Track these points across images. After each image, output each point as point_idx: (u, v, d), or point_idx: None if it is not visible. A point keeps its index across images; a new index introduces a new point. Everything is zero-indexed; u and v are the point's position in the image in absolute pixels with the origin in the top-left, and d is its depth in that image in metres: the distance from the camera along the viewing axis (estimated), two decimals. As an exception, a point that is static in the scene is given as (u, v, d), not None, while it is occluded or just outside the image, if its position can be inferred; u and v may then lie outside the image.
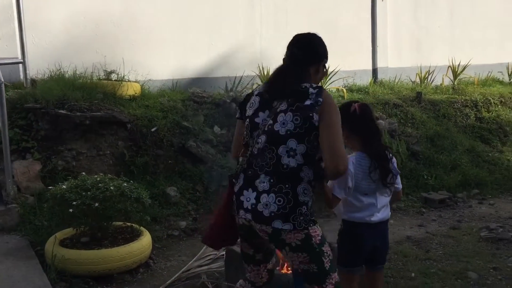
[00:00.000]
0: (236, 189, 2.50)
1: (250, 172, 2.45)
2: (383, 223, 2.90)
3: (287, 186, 2.35)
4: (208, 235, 2.68)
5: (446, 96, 9.06)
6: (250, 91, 7.64)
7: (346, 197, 2.78)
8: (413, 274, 4.16)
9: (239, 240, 2.68)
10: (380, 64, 9.48)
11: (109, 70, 6.80)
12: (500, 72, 10.54)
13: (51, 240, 4.32)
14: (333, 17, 9.01)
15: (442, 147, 7.71)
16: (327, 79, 8.49)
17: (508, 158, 8.07)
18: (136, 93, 6.58)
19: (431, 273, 4.22)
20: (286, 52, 2.63)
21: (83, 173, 4.70)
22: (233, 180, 2.53)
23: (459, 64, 9.77)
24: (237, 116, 2.69)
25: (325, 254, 2.44)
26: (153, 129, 6.06)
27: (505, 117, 9.03)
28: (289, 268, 3.70)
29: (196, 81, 7.82)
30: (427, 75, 9.66)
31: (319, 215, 5.05)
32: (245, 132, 2.54)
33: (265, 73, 8.00)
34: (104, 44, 7.10)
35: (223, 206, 2.58)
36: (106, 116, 5.70)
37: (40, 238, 4.62)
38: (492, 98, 9.22)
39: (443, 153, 7.57)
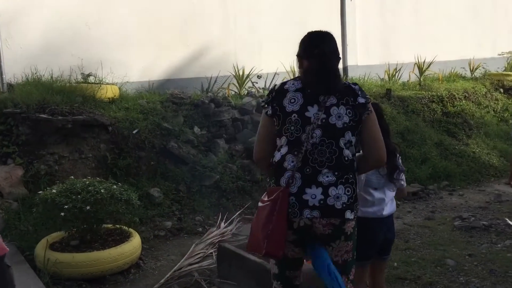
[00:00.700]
0: (293, 190, 2.41)
1: (308, 170, 2.41)
2: (391, 216, 3.10)
3: (351, 176, 2.46)
4: (270, 246, 2.38)
5: (413, 92, 9.40)
6: (226, 91, 7.84)
7: (359, 191, 2.88)
8: (395, 264, 4.38)
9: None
10: (350, 62, 9.74)
11: (86, 73, 6.78)
12: (463, 68, 10.99)
13: (41, 244, 4.34)
14: (304, 17, 9.19)
15: (413, 142, 8.02)
16: (301, 78, 8.69)
17: (474, 150, 8.47)
18: (115, 96, 6.60)
19: (412, 262, 4.46)
20: (313, 50, 2.55)
21: (72, 176, 4.71)
22: (283, 182, 2.41)
23: (424, 61, 10.14)
24: (268, 112, 2.52)
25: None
26: (134, 131, 6.10)
27: (469, 111, 9.46)
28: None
29: (172, 82, 7.87)
30: (395, 72, 10.00)
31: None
32: (293, 128, 2.45)
33: (241, 73, 8.13)
34: (80, 47, 7.07)
35: (280, 212, 2.39)
36: (88, 120, 5.72)
37: (27, 243, 4.62)
38: (457, 93, 9.63)
39: (413, 147, 7.89)
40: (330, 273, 2.46)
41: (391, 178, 3.00)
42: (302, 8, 9.19)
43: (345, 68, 9.73)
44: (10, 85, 6.37)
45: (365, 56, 9.98)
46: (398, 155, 3.07)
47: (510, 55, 11.79)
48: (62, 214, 4.12)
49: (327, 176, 2.42)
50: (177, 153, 6.24)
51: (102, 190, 4.29)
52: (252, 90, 8.14)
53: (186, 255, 4.64)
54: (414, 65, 10.16)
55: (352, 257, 2.57)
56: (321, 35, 2.62)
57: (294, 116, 2.46)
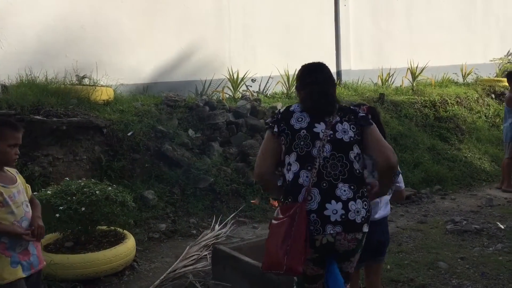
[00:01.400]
0: (313, 206, 2.43)
1: (324, 185, 2.46)
2: (385, 219, 3.14)
3: (364, 190, 2.53)
4: (291, 261, 2.37)
5: (406, 97, 9.49)
6: (220, 94, 7.87)
7: None
8: (389, 266, 4.41)
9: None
10: (343, 67, 9.82)
11: (80, 74, 6.79)
12: (455, 73, 11.11)
13: (35, 246, 4.33)
14: (298, 22, 9.27)
15: (405, 146, 8.09)
16: (295, 82, 8.73)
17: (465, 155, 8.55)
18: (109, 98, 6.60)
19: (405, 265, 4.50)
20: (306, 80, 2.73)
21: (67, 178, 4.71)
22: (301, 199, 2.43)
23: (417, 66, 10.25)
24: (274, 131, 2.59)
25: None
26: (129, 134, 6.11)
27: (461, 116, 9.56)
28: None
29: (166, 85, 7.89)
30: (388, 77, 10.08)
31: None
32: (302, 143, 2.52)
33: (235, 76, 8.17)
34: (74, 49, 7.08)
35: (298, 227, 2.39)
36: (83, 121, 5.72)
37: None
38: (449, 98, 9.73)
39: (406, 152, 7.95)
40: None
41: None
42: (296, 12, 9.25)
43: (339, 72, 9.80)
44: (4, 87, 6.36)
45: (358, 60, 10.05)
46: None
47: (501, 61, 11.94)
48: (57, 215, 4.12)
49: (344, 190, 2.47)
50: (171, 156, 6.25)
51: (97, 192, 4.29)
52: (247, 94, 8.17)
53: (180, 257, 4.64)
54: (407, 70, 10.26)
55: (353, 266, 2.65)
56: (314, 66, 2.79)
57: (303, 132, 2.55)
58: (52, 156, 5.65)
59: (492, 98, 10.60)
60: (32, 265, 2.71)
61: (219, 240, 5.10)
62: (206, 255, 4.75)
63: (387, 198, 3.12)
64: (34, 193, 4.37)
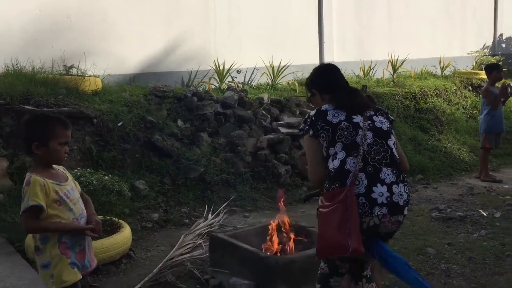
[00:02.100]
0: (361, 190, 2.53)
1: (370, 169, 2.57)
2: None
3: (404, 174, 2.66)
4: (354, 242, 2.45)
5: (388, 89, 9.68)
6: (207, 85, 7.90)
7: None
8: (379, 252, 4.56)
9: None
10: (327, 58, 9.94)
11: (67, 64, 6.74)
12: (434, 66, 11.36)
13: (32, 235, 4.33)
14: (282, 14, 9.35)
15: (388, 137, 8.26)
16: (280, 73, 8.85)
17: (445, 145, 8.80)
18: (98, 88, 6.58)
19: (395, 251, 4.55)
20: (330, 81, 2.86)
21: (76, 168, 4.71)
22: (348, 183, 2.52)
23: (397, 59, 10.46)
24: (310, 134, 2.68)
25: None
26: (119, 124, 6.12)
27: (441, 107, 9.81)
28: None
29: (152, 75, 7.88)
30: (369, 69, 10.26)
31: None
32: (346, 132, 2.61)
33: (221, 68, 8.21)
34: (60, 38, 7.01)
35: (352, 209, 2.48)
36: (74, 112, 5.70)
37: (16, 235, 4.59)
38: (429, 90, 9.97)
39: (389, 142, 8.12)
40: (409, 267, 2.62)
41: None
42: (281, 5, 9.33)
43: (322, 64, 9.91)
44: (-10, 76, 6.28)
45: (341, 53, 10.20)
46: None
47: (477, 54, 12.26)
48: (55, 205, 4.13)
49: (388, 174, 2.59)
50: (161, 146, 6.28)
51: (94, 181, 4.33)
52: (232, 84, 8.23)
53: (176, 246, 4.69)
54: (388, 62, 10.46)
55: None
56: (332, 68, 2.97)
57: (344, 123, 2.65)
58: (43, 147, 5.62)
59: (469, 90, 10.89)
60: (85, 267, 2.67)
61: (213, 228, 5.18)
62: (201, 243, 4.82)
63: None
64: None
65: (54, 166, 2.67)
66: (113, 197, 4.40)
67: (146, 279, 4.07)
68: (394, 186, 2.57)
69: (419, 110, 9.47)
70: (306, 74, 9.79)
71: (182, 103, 6.93)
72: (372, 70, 10.29)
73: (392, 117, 2.88)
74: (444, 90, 10.29)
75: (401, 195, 2.59)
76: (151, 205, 5.75)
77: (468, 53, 12.16)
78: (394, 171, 2.62)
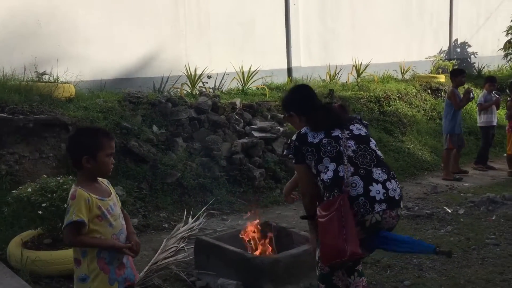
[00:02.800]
0: (359, 191, 2.72)
1: (362, 172, 2.78)
2: None
3: (393, 172, 2.88)
4: (351, 246, 2.63)
5: (353, 92, 10.01)
6: (179, 90, 7.98)
7: None
8: (355, 250, 4.79)
9: None
10: (294, 63, 10.19)
11: (40, 71, 6.69)
12: (395, 70, 11.81)
13: (15, 243, 4.35)
14: (251, 20, 9.54)
15: (355, 139, 8.56)
16: (250, 78, 9.02)
17: (408, 147, 9.19)
18: (71, 95, 6.58)
19: (370, 248, 4.90)
20: (306, 101, 3.11)
21: (45, 175, 4.71)
22: (344, 189, 2.71)
23: (361, 63, 10.82)
24: (298, 159, 2.90)
25: None
26: (95, 130, 6.11)
27: (403, 110, 10.22)
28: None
29: (124, 81, 7.91)
30: (335, 74, 10.57)
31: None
32: (329, 147, 2.82)
33: (193, 73, 8.31)
34: (32, 45, 6.96)
35: (346, 215, 2.65)
36: (50, 119, 5.70)
37: (-4, 243, 4.58)
38: (391, 94, 10.37)
39: (356, 144, 8.42)
40: (414, 242, 2.87)
41: None
42: (250, 11, 9.51)
43: (290, 69, 10.17)
44: (-40, 83, 6.17)
45: (308, 58, 10.47)
46: None
47: (435, 58, 12.81)
48: (40, 212, 4.15)
49: (379, 173, 2.80)
50: (137, 152, 6.34)
51: (78, 188, 4.35)
52: (204, 90, 8.34)
53: (159, 250, 4.79)
54: (352, 67, 10.80)
55: None
56: (307, 90, 3.21)
57: (325, 140, 2.87)
58: (18, 154, 5.60)
59: (428, 93, 11.37)
60: (127, 279, 2.68)
61: (194, 232, 5.29)
62: (183, 247, 4.94)
63: None
64: (13, 191, 4.42)
65: (99, 179, 2.70)
66: (97, 203, 4.43)
67: (134, 283, 4.14)
68: (387, 183, 2.79)
69: (383, 113, 9.84)
70: (275, 78, 10.07)
71: (157, 108, 7.00)
72: (337, 75, 10.61)
73: (366, 122, 3.11)
74: (406, 94, 10.72)
75: (395, 190, 2.81)
76: (129, 210, 5.78)
77: (426, 58, 12.69)
78: (384, 170, 2.84)
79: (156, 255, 4.70)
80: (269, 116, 7.97)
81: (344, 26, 11.15)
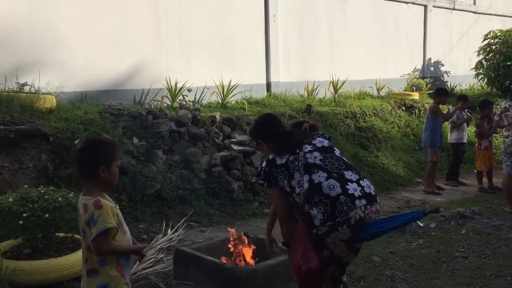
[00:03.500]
0: (338, 191, 2.92)
1: (335, 175, 3.00)
2: None
3: (362, 173, 3.12)
4: (309, 260, 2.91)
5: (330, 108, 10.24)
6: (159, 103, 8.08)
7: None
8: (331, 261, 4.94)
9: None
10: (273, 78, 10.38)
11: (20, 82, 6.72)
12: (371, 87, 12.12)
13: (-6, 253, 4.35)
14: (231, 35, 9.71)
15: (332, 154, 8.76)
16: (230, 92, 9.17)
17: (383, 162, 9.44)
18: (52, 106, 6.60)
19: (345, 259, 5.05)
20: (270, 130, 3.38)
21: (26, 185, 4.75)
22: (325, 190, 2.93)
23: (338, 80, 11.09)
24: (266, 185, 3.16)
25: None
26: (76, 142, 6.17)
27: (378, 126, 10.49)
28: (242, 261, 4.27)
29: (105, 93, 7.96)
30: (313, 90, 10.81)
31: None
32: (297, 162, 3.07)
33: (173, 87, 8.41)
34: (12, 55, 6.98)
35: (303, 236, 2.94)
36: (31, 129, 5.72)
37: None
38: (367, 110, 10.64)
39: (333, 159, 8.62)
40: (399, 218, 3.03)
41: None
42: (230, 26, 9.68)
43: (269, 84, 10.35)
44: None
45: (286, 73, 10.68)
46: None
47: (409, 76, 13.19)
48: (21, 222, 4.19)
49: (351, 175, 3.01)
50: (117, 163, 6.38)
51: (59, 199, 4.41)
52: (184, 103, 8.45)
53: (138, 261, 4.85)
54: (330, 83, 11.07)
55: None
56: (272, 119, 3.50)
57: (291, 157, 3.10)
58: (-2, 164, 5.61)
59: (403, 110, 11.69)
60: (128, 284, 2.76)
61: (173, 243, 5.37)
62: (162, 257, 5.01)
63: None
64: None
65: None
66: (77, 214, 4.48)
67: (113, 293, 4.19)
68: (360, 181, 3.02)
69: (359, 128, 10.09)
70: (255, 93, 10.25)
71: (137, 121, 7.08)
72: (315, 90, 10.84)
73: (327, 135, 3.37)
74: (381, 110, 11.01)
75: (369, 186, 3.04)
76: (109, 221, 5.84)
77: (401, 76, 13.05)
78: (354, 172, 3.07)
79: (135, 265, 4.75)
80: (248, 130, 8.11)
81: (322, 43, 11.42)
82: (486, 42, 13.32)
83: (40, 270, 4.23)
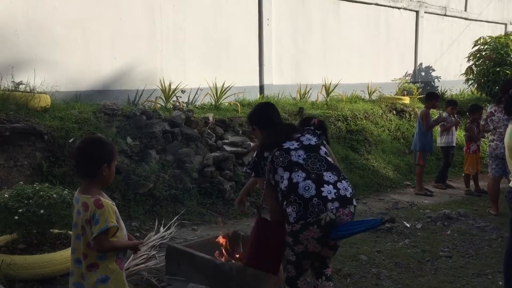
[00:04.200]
0: (312, 193, 3.04)
1: (313, 176, 3.13)
2: None
3: (343, 174, 3.21)
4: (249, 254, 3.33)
5: (322, 111, 10.38)
6: (153, 104, 8.19)
7: None
8: (319, 259, 5.08)
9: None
10: (266, 81, 10.51)
11: (16, 81, 6.81)
12: (362, 91, 12.28)
13: (-11, 248, 4.45)
14: (225, 38, 9.84)
15: (323, 156, 8.91)
16: (223, 94, 9.29)
17: (373, 164, 9.60)
18: (47, 105, 6.69)
19: (333, 258, 5.18)
20: (266, 118, 3.53)
21: (21, 182, 4.84)
22: (300, 191, 3.08)
23: (330, 83, 11.24)
24: (259, 174, 3.32)
25: None
26: (70, 140, 6.27)
27: (369, 129, 10.65)
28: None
29: (99, 94, 8.06)
30: (305, 93, 10.95)
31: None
32: (281, 158, 3.20)
33: (167, 88, 8.53)
34: (8, 54, 7.06)
35: (263, 230, 3.26)
36: (27, 128, 5.82)
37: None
38: (358, 114, 10.79)
39: (323, 161, 8.77)
40: (362, 222, 3.19)
41: None
42: (224, 29, 9.81)
43: (262, 87, 10.48)
44: None
45: (279, 76, 10.82)
46: None
47: (400, 81, 13.38)
48: (16, 217, 4.29)
49: (330, 176, 3.11)
50: (111, 162, 6.48)
51: (54, 195, 4.51)
52: (177, 104, 8.56)
53: (131, 257, 4.96)
54: (322, 86, 11.21)
55: None
56: (268, 107, 3.66)
57: (277, 153, 3.22)
58: (-7, 162, 5.69)
59: (393, 114, 11.85)
60: None
61: (165, 241, 5.47)
62: (154, 254, 5.12)
63: None
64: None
65: None
66: (72, 210, 4.58)
67: None
68: (338, 184, 3.13)
69: (350, 131, 10.24)
70: (248, 95, 10.38)
71: (131, 121, 7.18)
72: (307, 93, 10.98)
73: (318, 131, 3.47)
74: (372, 114, 11.16)
75: (346, 189, 3.14)
76: (102, 219, 5.93)
77: (392, 80, 13.24)
78: (334, 173, 3.18)
79: (128, 261, 4.86)
80: (241, 131, 8.24)
81: (315, 47, 11.57)
82: (476, 48, 13.53)
83: (35, 265, 4.34)
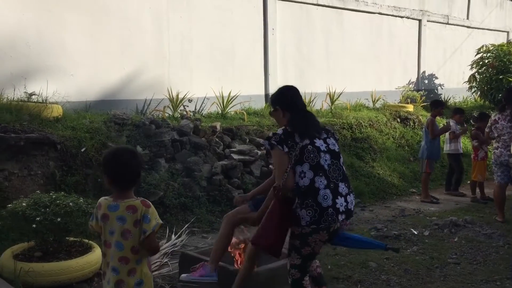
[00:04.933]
0: (329, 203, 3.19)
1: (332, 185, 3.26)
2: None
3: (351, 186, 3.38)
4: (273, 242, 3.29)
5: (327, 119, 10.48)
6: (161, 113, 8.31)
7: None
8: (329, 266, 5.16)
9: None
10: (271, 89, 10.61)
11: (25, 91, 6.94)
12: (366, 99, 12.39)
13: (7, 255, 4.55)
14: (231, 47, 9.97)
15: (329, 164, 9.00)
16: (229, 103, 9.41)
17: (378, 172, 9.68)
18: (59, 115, 6.81)
19: (342, 265, 5.27)
20: (291, 100, 3.52)
21: (38, 191, 4.94)
22: (319, 199, 3.20)
23: (334, 92, 11.35)
24: (285, 150, 3.24)
25: None
26: (82, 149, 6.38)
27: (374, 137, 10.75)
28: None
29: (108, 103, 8.17)
30: (310, 101, 11.05)
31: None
32: (312, 155, 3.24)
33: (175, 97, 8.65)
34: (20, 66, 7.19)
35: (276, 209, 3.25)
36: (40, 138, 5.93)
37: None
38: (363, 121, 10.90)
39: (330, 169, 8.86)
40: (367, 241, 3.55)
41: None
42: (230, 38, 9.94)
43: (267, 95, 10.58)
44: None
45: (284, 84, 10.89)
46: None
47: (404, 89, 13.49)
48: (34, 226, 4.39)
49: (343, 188, 3.28)
50: (122, 171, 6.58)
51: (70, 203, 4.61)
52: (185, 113, 8.68)
53: (144, 264, 5.05)
54: (326, 95, 11.32)
55: None
56: (295, 89, 3.61)
57: (310, 147, 3.28)
58: (8, 171, 5.80)
59: (398, 122, 11.96)
60: None
61: (176, 248, 5.57)
62: (167, 261, 5.21)
63: None
64: (8, 206, 4.65)
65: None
66: (87, 218, 4.68)
67: (121, 294, 4.38)
68: (348, 197, 3.32)
69: (355, 139, 10.34)
70: (253, 104, 10.49)
71: (141, 130, 7.29)
72: (312, 102, 11.07)
73: (337, 136, 3.59)
74: (376, 121, 11.27)
75: (351, 202, 3.36)
76: (114, 227, 6.03)
77: (396, 88, 13.35)
78: (346, 185, 3.34)
79: (142, 269, 4.95)
80: (248, 140, 8.35)
81: (319, 55, 11.70)
82: (479, 56, 13.66)
83: (52, 272, 4.43)
